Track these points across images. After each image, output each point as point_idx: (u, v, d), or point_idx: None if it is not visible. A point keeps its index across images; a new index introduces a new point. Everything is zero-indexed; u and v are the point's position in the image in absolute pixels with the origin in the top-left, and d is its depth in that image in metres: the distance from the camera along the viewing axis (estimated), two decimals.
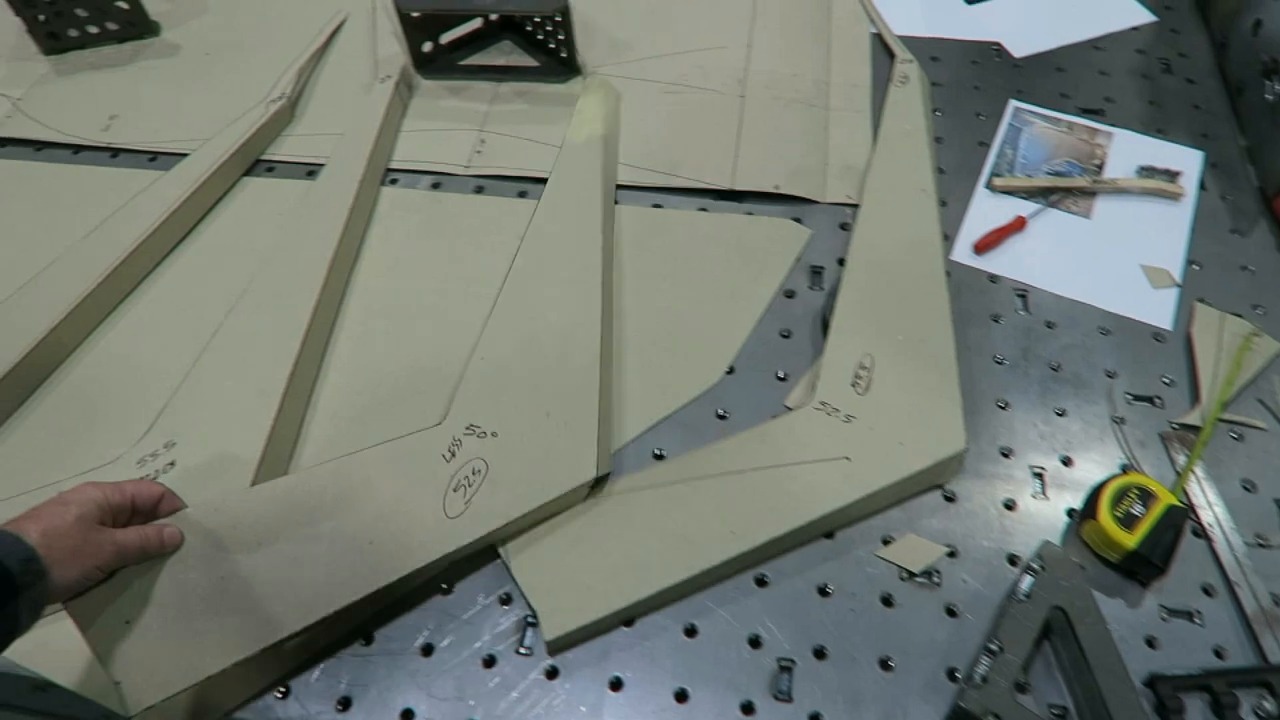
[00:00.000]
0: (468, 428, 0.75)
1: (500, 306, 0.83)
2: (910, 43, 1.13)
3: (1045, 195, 0.96)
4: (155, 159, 1.02)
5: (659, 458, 0.76)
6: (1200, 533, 0.73)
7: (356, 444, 0.75)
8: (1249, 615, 0.68)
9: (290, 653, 0.66)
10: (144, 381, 0.81)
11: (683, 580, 0.67)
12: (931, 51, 1.12)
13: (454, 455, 0.73)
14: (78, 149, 1.04)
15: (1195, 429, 0.78)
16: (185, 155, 0.98)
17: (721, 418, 0.79)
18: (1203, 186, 0.97)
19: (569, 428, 0.74)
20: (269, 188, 0.99)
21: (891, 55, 1.09)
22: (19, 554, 0.52)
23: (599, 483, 0.74)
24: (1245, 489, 0.75)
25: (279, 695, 0.64)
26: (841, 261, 0.88)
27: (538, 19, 1.07)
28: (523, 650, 0.66)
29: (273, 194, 0.98)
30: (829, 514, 0.70)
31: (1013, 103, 1.06)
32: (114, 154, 1.03)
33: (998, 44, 1.14)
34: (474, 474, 0.72)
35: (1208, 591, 0.70)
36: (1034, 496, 0.75)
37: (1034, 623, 0.63)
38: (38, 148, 1.05)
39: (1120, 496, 0.70)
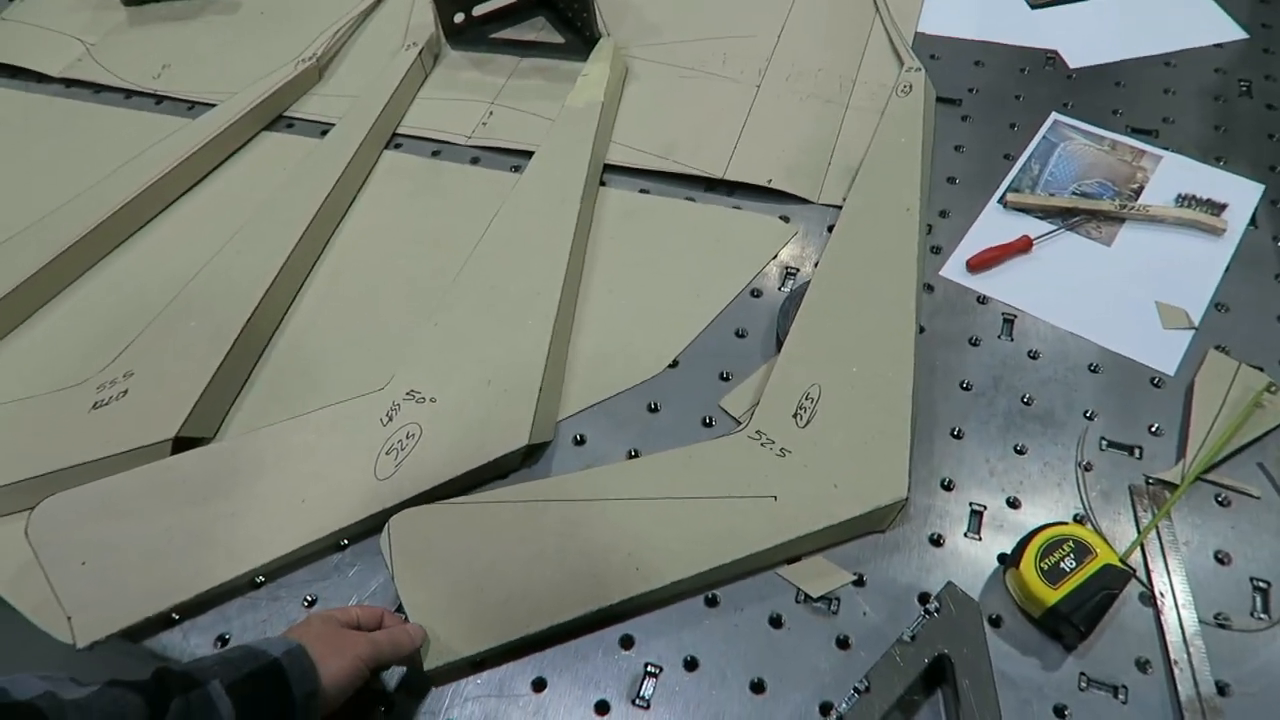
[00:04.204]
0: (408, 393, 0.75)
1: (464, 272, 0.83)
2: (955, 45, 1.06)
3: (1064, 216, 0.88)
4: (193, 108, 1.08)
5: (579, 443, 0.75)
6: (1150, 601, 0.65)
7: (299, 399, 0.79)
8: (1182, 700, 0.60)
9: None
10: (129, 313, 0.85)
11: (578, 617, 0.63)
12: (976, 55, 1.05)
13: (391, 419, 0.74)
14: (129, 94, 1.11)
15: (1172, 486, 0.70)
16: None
17: (653, 410, 0.76)
18: (1253, 223, 0.87)
19: (508, 395, 0.74)
20: (285, 143, 1.02)
21: (901, 62, 1.02)
22: (307, 688, 0.52)
23: (535, 451, 0.74)
24: (1219, 560, 0.67)
25: (171, 621, 0.66)
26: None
27: None
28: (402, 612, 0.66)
29: (287, 149, 1.01)
30: (745, 558, 0.65)
31: (1054, 115, 0.98)
32: (158, 101, 1.09)
33: (1053, 52, 1.05)
34: (408, 438, 0.72)
35: (1141, 667, 0.62)
36: (966, 535, 0.69)
37: (911, 667, 0.59)
38: (96, 90, 1.12)
39: (1051, 547, 0.63)
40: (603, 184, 0.94)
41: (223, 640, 0.66)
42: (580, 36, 1.07)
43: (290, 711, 0.51)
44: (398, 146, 1.01)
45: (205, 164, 0.99)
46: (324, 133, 1.01)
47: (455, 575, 0.65)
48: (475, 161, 0.98)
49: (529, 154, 0.95)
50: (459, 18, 1.10)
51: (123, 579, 0.66)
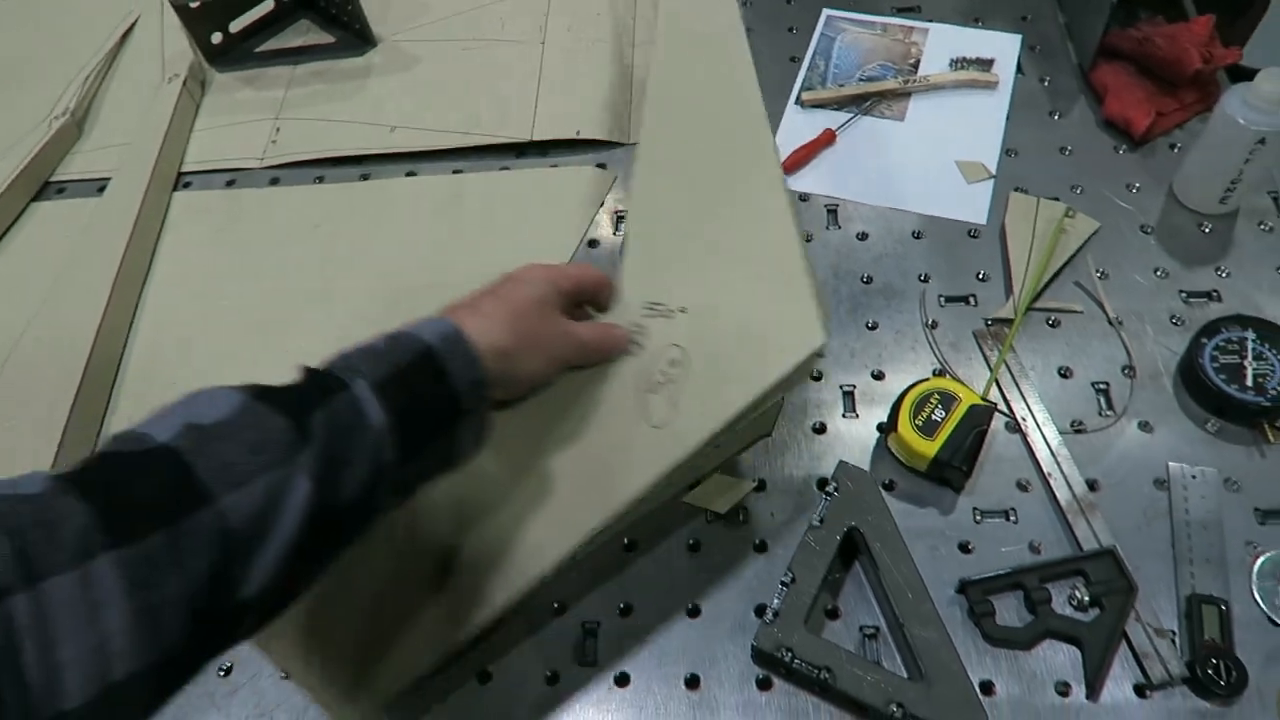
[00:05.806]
0: (648, 306, 0.60)
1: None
2: None
3: (857, 103, 0.93)
4: None
5: None
6: (1015, 428, 0.71)
7: None
8: (1062, 506, 0.66)
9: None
10: None
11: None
12: None
13: (640, 347, 0.60)
14: None
15: (1008, 322, 0.76)
16: None
17: None
18: (1020, 71, 0.94)
19: (775, 286, 0.59)
20: (61, 210, 0.94)
21: None
22: (469, 376, 0.46)
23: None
24: (1062, 376, 0.73)
25: None
26: None
27: None
28: None
29: (65, 216, 0.93)
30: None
31: (825, 11, 1.02)
32: None
33: None
34: (671, 365, 0.58)
35: (1022, 487, 0.68)
36: (844, 416, 0.73)
37: (828, 548, 0.62)
38: None
39: (920, 404, 0.68)
40: (412, 174, 0.91)
41: None
42: (350, 31, 1.03)
43: (454, 404, 0.45)
44: (187, 185, 0.94)
45: None
46: (102, 190, 0.93)
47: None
48: (275, 182, 0.93)
49: (330, 162, 0.92)
50: (217, 37, 1.03)
51: None
